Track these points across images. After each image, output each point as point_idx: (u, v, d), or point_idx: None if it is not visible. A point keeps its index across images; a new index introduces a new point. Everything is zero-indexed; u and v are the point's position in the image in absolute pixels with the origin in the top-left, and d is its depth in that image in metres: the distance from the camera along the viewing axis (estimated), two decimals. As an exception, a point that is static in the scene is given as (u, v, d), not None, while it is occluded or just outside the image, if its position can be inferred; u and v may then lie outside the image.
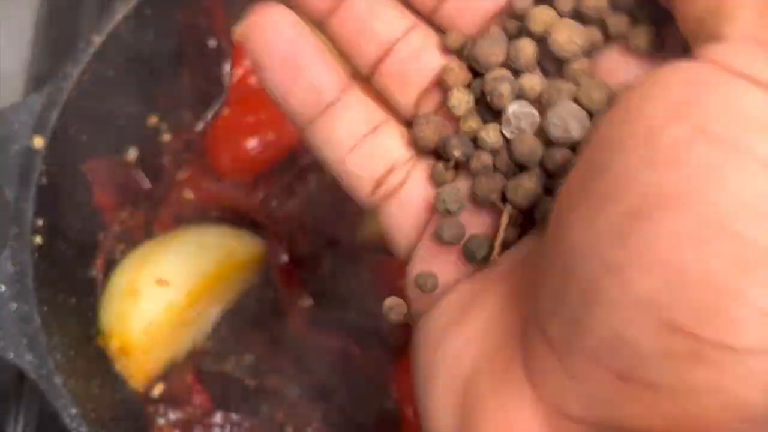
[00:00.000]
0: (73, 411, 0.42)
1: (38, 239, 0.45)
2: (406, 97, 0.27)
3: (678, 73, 0.19)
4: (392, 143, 0.27)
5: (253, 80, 0.54)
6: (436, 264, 0.25)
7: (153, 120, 0.53)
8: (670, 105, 0.18)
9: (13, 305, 0.43)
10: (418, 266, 0.26)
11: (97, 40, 0.48)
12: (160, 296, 0.47)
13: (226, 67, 0.53)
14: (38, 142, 0.45)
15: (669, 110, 0.18)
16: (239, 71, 0.54)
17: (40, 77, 0.55)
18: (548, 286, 0.20)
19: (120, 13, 0.48)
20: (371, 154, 0.26)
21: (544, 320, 0.20)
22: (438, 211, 0.25)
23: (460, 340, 0.23)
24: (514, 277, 0.24)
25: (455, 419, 0.22)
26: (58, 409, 0.42)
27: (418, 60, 0.26)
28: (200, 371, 0.49)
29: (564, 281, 0.19)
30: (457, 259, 0.25)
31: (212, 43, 0.53)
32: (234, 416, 0.47)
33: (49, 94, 0.46)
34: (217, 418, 0.47)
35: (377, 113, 0.27)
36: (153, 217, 0.51)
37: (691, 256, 0.17)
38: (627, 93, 0.19)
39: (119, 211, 0.51)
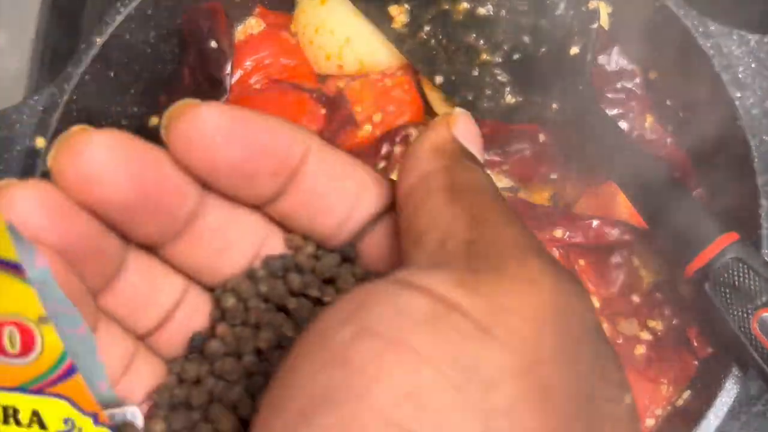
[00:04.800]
0: (75, 409, 0.42)
1: (40, 239, 0.45)
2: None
3: (362, 289, 0.19)
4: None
5: (253, 81, 0.54)
6: None
7: (154, 120, 0.53)
8: (345, 312, 0.19)
9: (15, 304, 0.43)
10: None
11: (99, 40, 0.48)
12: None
13: (227, 68, 0.53)
14: (40, 142, 0.45)
15: (342, 316, 0.19)
16: (240, 71, 0.54)
17: (41, 78, 0.56)
18: None
19: (121, 14, 0.48)
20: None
21: None
22: None
23: None
24: None
25: None
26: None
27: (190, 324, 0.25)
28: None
29: None
30: None
31: (213, 43, 0.53)
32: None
33: (51, 94, 0.46)
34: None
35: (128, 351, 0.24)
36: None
37: None
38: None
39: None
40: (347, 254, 0.25)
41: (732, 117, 0.45)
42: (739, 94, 0.45)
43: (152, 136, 0.57)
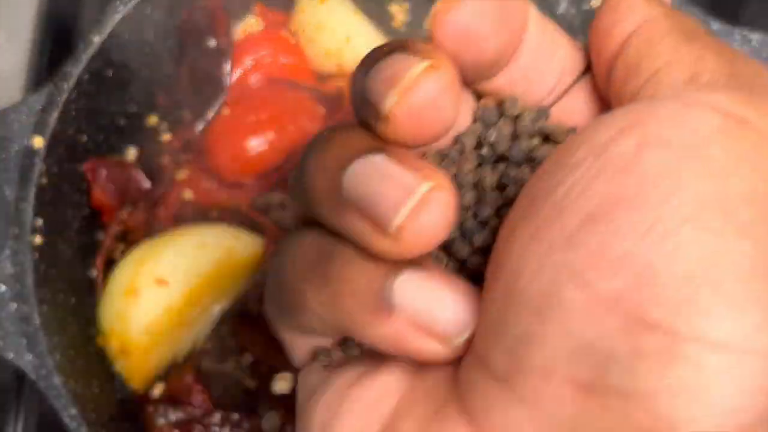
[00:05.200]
0: (73, 411, 0.42)
1: (38, 239, 0.45)
2: None
3: (637, 105, 0.19)
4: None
5: (253, 80, 0.54)
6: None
7: (153, 120, 0.53)
8: (621, 124, 0.18)
9: (13, 305, 0.43)
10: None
11: (97, 39, 0.47)
12: (160, 296, 0.47)
13: (226, 67, 0.53)
14: (38, 142, 0.45)
15: (620, 128, 0.18)
16: (239, 71, 0.54)
17: (39, 77, 0.55)
18: (487, 312, 0.19)
19: (120, 12, 0.48)
20: None
21: (483, 353, 0.19)
22: None
23: (377, 389, 0.22)
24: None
25: None
26: (57, 409, 0.42)
27: None
28: (200, 371, 0.49)
29: (508, 301, 0.19)
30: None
31: (212, 43, 0.53)
32: (234, 416, 0.47)
33: (49, 94, 0.46)
34: (217, 418, 0.47)
35: None
36: (153, 217, 0.51)
37: (658, 251, 0.17)
38: (575, 134, 0.20)
39: (118, 211, 0.51)
40: (543, 115, 0.25)
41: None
42: (741, 94, 0.45)
43: (152, 136, 0.56)
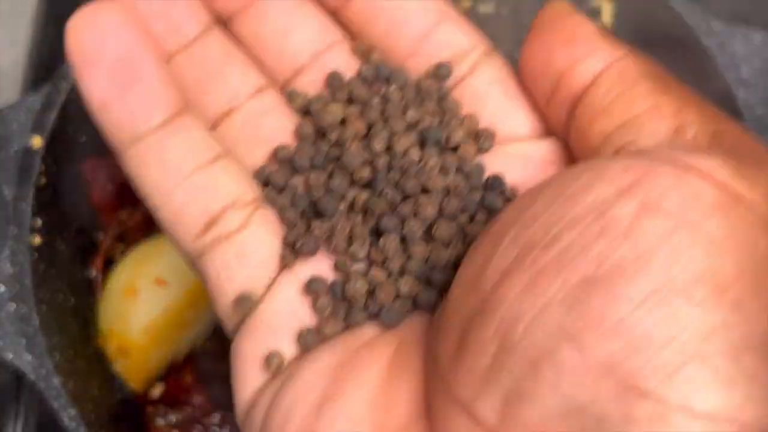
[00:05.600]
0: (73, 411, 0.42)
1: (37, 239, 0.45)
2: (251, 156, 0.25)
3: (636, 163, 0.19)
4: (232, 179, 0.24)
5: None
6: (290, 332, 0.23)
7: (152, 119, 0.53)
8: (620, 184, 0.19)
9: (12, 305, 0.43)
10: (262, 335, 0.23)
11: (96, 39, 0.47)
12: (160, 296, 0.47)
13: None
14: (37, 141, 0.45)
15: (618, 188, 0.18)
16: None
17: (38, 77, 0.55)
18: (474, 360, 0.19)
19: (119, 12, 0.48)
20: (206, 186, 0.23)
21: (469, 398, 0.19)
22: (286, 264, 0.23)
23: (345, 421, 0.21)
24: (406, 343, 0.22)
25: None
26: (57, 409, 0.42)
27: (265, 120, 0.25)
28: (200, 371, 0.49)
29: (502, 353, 0.18)
30: (317, 325, 0.23)
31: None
32: (233, 416, 0.47)
33: (48, 93, 0.46)
34: (217, 418, 0.47)
35: (215, 145, 0.24)
36: (152, 217, 0.51)
37: (653, 321, 0.17)
38: (562, 176, 0.20)
39: (118, 211, 0.51)
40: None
41: (736, 116, 0.45)
42: (743, 94, 0.45)
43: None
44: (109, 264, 0.50)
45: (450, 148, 0.25)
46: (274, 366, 0.22)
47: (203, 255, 0.24)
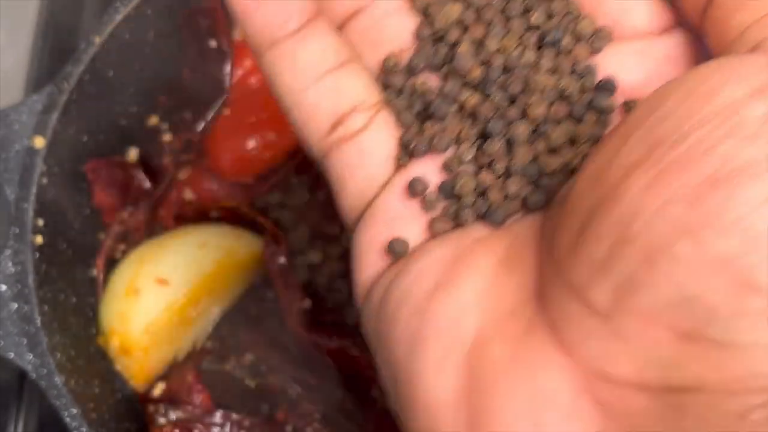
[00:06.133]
0: (74, 410, 0.42)
1: (39, 239, 0.45)
2: (374, 57, 0.26)
3: (753, 61, 0.19)
4: (358, 83, 0.25)
5: (253, 80, 0.54)
6: (407, 225, 0.25)
7: (153, 120, 0.53)
8: (748, 83, 0.19)
9: (14, 305, 0.43)
10: (381, 227, 0.25)
11: (98, 40, 0.48)
12: (161, 296, 0.47)
13: (227, 67, 0.53)
14: (39, 142, 0.45)
15: (747, 88, 0.19)
16: (240, 71, 0.54)
17: (40, 77, 0.55)
18: (592, 250, 0.20)
19: (120, 13, 0.48)
20: (334, 88, 0.25)
21: (584, 284, 0.20)
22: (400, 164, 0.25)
23: (456, 306, 0.22)
24: (518, 241, 0.23)
25: (458, 389, 0.22)
26: (58, 408, 0.42)
27: (388, 21, 0.26)
28: (200, 371, 0.49)
29: (620, 243, 0.19)
30: (429, 221, 0.24)
31: (213, 43, 0.53)
32: (234, 416, 0.47)
33: (50, 94, 0.46)
34: (217, 417, 0.47)
35: (344, 50, 0.25)
36: (153, 217, 0.51)
37: None
38: (695, 74, 0.20)
39: (119, 211, 0.51)
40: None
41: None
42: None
43: (152, 136, 0.56)
44: (110, 264, 0.50)
45: (564, 51, 0.25)
46: (399, 251, 0.24)
47: (329, 153, 0.25)
